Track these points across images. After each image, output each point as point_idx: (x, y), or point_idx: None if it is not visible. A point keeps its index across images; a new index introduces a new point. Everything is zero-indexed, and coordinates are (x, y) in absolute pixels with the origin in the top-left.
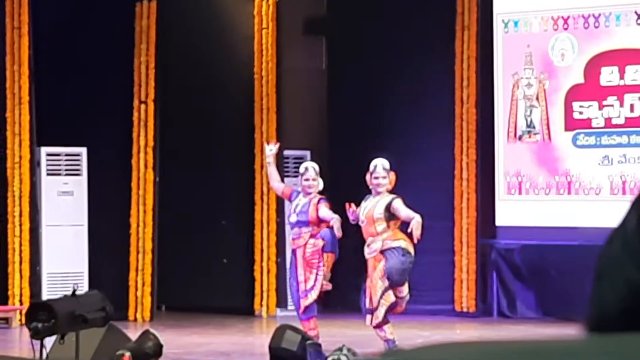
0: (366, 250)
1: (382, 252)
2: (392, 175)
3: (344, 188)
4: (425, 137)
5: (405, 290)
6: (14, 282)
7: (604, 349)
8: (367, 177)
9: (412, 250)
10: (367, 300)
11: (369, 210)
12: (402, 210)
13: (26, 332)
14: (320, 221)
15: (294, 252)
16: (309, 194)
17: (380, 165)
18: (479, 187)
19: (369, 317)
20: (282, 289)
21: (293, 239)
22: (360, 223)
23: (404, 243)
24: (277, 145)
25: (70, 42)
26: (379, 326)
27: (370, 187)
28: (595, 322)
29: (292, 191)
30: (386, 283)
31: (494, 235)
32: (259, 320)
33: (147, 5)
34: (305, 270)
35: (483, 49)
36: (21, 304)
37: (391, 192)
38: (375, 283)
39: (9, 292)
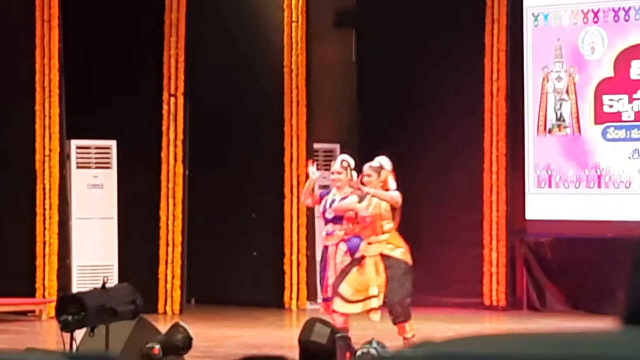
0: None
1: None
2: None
3: None
4: (454, 130)
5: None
6: (43, 275)
7: (636, 341)
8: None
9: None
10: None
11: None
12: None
13: (56, 324)
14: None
15: (325, 248)
16: (338, 187)
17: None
18: (508, 180)
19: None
20: (312, 282)
21: (326, 234)
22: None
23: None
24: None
25: (100, 35)
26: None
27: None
28: (633, 311)
29: (320, 194)
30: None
31: (523, 228)
32: (289, 313)
33: None
34: (335, 273)
35: (513, 42)
36: (50, 296)
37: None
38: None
39: (37, 285)
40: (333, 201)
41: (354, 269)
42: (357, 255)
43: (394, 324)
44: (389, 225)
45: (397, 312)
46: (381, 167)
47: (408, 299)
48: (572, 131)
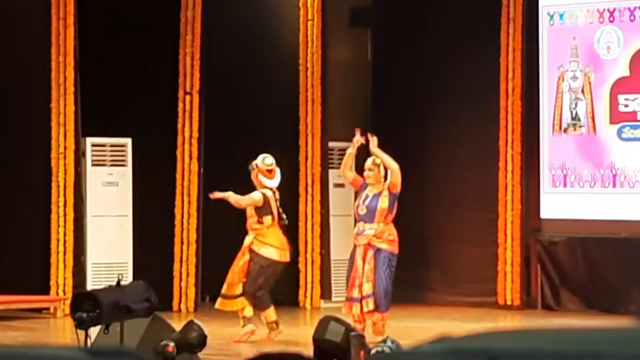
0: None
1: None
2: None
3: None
4: (469, 129)
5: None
6: (58, 273)
7: None
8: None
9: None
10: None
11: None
12: None
13: (71, 322)
14: (386, 215)
15: (355, 247)
16: (371, 184)
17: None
18: (523, 179)
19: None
20: (327, 281)
21: (356, 234)
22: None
23: None
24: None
25: (115, 33)
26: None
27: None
28: None
29: (361, 182)
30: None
31: (538, 227)
32: (303, 311)
33: None
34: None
35: (528, 42)
36: (64, 294)
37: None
38: None
39: (51, 282)
40: (367, 197)
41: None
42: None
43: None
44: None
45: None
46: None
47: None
48: (588, 130)
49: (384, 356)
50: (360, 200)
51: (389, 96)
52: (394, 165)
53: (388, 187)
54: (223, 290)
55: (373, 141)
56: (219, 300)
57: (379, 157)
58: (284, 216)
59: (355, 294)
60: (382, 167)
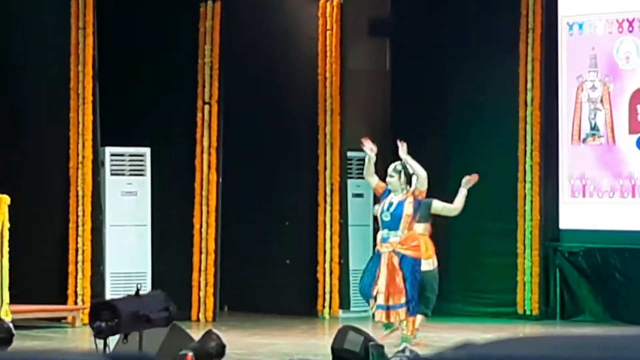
0: None
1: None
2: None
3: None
4: (488, 139)
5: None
6: (75, 282)
7: None
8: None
9: None
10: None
11: None
12: None
13: (89, 331)
14: (411, 221)
15: (378, 253)
16: (392, 190)
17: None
18: (542, 189)
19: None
20: (345, 291)
21: (381, 241)
22: None
23: None
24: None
25: (134, 42)
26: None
27: None
28: None
29: (384, 188)
30: None
31: (557, 238)
32: (322, 321)
33: (212, 6)
34: (390, 285)
35: (547, 52)
36: (82, 303)
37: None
38: None
39: (69, 292)
40: (391, 204)
41: None
42: None
43: None
44: None
45: None
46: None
47: None
48: (607, 141)
49: None
50: (384, 207)
51: (407, 106)
52: (422, 173)
53: (413, 194)
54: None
55: (402, 147)
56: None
57: (409, 163)
58: None
59: (381, 300)
60: (403, 174)
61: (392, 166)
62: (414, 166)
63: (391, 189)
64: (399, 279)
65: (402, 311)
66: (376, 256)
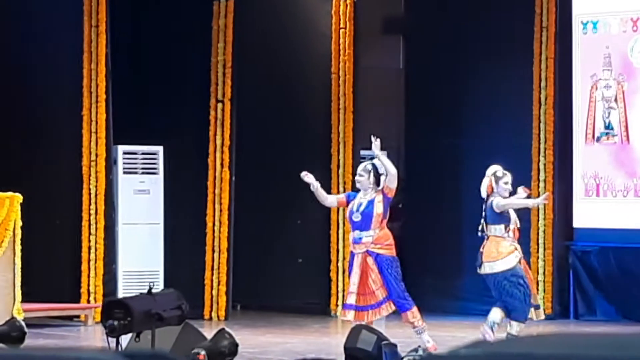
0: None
1: None
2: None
3: (421, 188)
4: (502, 138)
5: None
6: (89, 280)
7: None
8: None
9: None
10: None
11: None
12: None
13: (102, 330)
14: (382, 220)
15: (352, 254)
16: (361, 190)
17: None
18: (556, 188)
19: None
20: None
21: (353, 243)
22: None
23: None
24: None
25: (147, 40)
26: None
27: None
28: None
29: (345, 196)
30: None
31: (571, 237)
32: (335, 320)
33: (225, 4)
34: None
35: (561, 50)
36: (96, 301)
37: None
38: None
39: (82, 290)
40: (360, 204)
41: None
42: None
43: None
44: None
45: None
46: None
47: None
48: (621, 140)
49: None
50: (353, 208)
51: (421, 104)
52: (392, 170)
53: (383, 192)
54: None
55: (376, 143)
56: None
57: (381, 159)
58: None
59: (352, 300)
60: (372, 174)
61: (361, 166)
62: (386, 163)
63: (360, 188)
64: (371, 280)
65: (389, 305)
66: (351, 257)
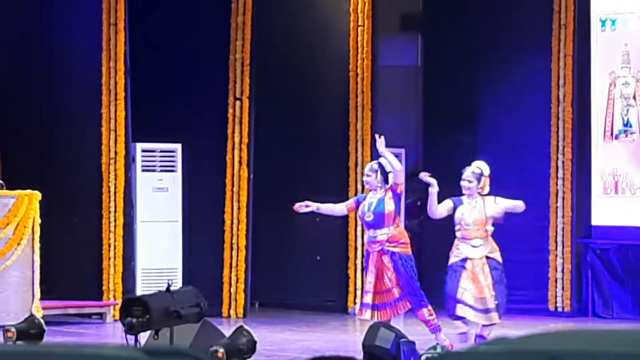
0: (471, 250)
1: (487, 257)
2: (485, 180)
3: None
4: (520, 135)
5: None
6: (108, 278)
7: None
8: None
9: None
10: (478, 299)
11: (478, 212)
12: (504, 204)
13: (120, 327)
14: (395, 217)
15: (368, 253)
16: (369, 191)
17: (469, 169)
18: (574, 186)
19: (483, 315)
20: None
21: (369, 242)
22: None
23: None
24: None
25: (166, 38)
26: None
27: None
28: None
29: (354, 201)
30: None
31: (589, 234)
32: (353, 317)
33: (244, 1)
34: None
35: (580, 48)
36: (114, 299)
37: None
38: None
39: (104, 287)
40: (371, 204)
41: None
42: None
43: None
44: (491, 228)
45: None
46: (481, 174)
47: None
48: (639, 137)
49: (440, 356)
50: (364, 208)
51: (439, 101)
52: (398, 166)
53: (392, 189)
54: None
55: (380, 141)
56: None
57: (386, 157)
58: None
59: (367, 300)
60: (379, 173)
61: (368, 165)
62: (391, 160)
63: (369, 187)
64: (387, 278)
65: (405, 303)
66: (367, 256)
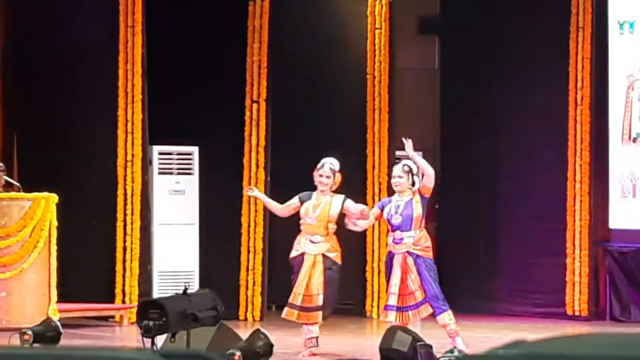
0: (310, 245)
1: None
2: (338, 176)
3: (456, 188)
4: (538, 138)
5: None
6: (123, 281)
7: None
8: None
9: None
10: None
11: (323, 209)
12: (353, 208)
13: (137, 330)
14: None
15: (391, 255)
16: (399, 192)
17: (327, 163)
18: (592, 189)
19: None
20: None
21: (394, 242)
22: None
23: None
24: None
25: (183, 41)
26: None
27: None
28: None
29: (379, 207)
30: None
31: (607, 238)
32: (370, 321)
33: (260, 4)
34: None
35: (598, 50)
36: (131, 302)
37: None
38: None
39: (117, 290)
40: (398, 206)
41: None
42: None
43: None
44: (333, 227)
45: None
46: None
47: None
48: None
49: None
50: (391, 211)
51: (456, 104)
52: (430, 170)
53: (419, 192)
54: None
55: (409, 144)
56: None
57: (416, 160)
58: None
59: (392, 301)
60: (411, 175)
61: (398, 167)
62: (422, 164)
63: (399, 189)
64: (410, 280)
65: (426, 307)
66: (388, 258)
